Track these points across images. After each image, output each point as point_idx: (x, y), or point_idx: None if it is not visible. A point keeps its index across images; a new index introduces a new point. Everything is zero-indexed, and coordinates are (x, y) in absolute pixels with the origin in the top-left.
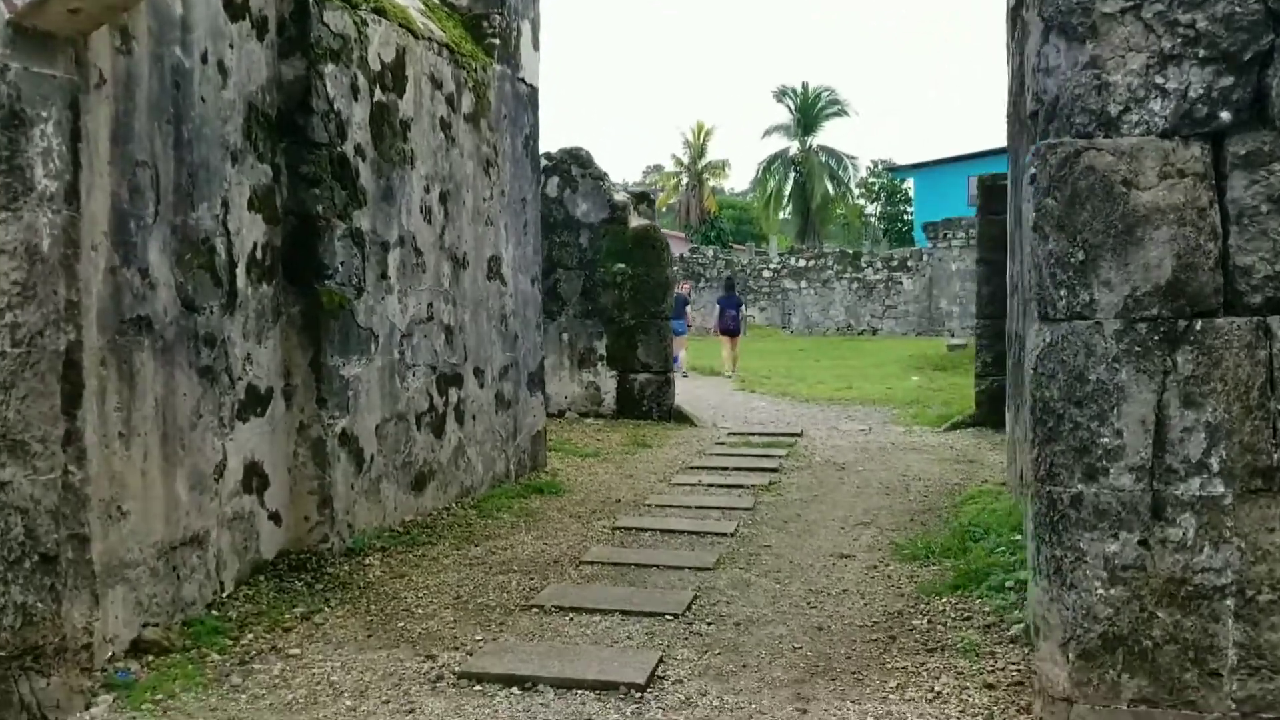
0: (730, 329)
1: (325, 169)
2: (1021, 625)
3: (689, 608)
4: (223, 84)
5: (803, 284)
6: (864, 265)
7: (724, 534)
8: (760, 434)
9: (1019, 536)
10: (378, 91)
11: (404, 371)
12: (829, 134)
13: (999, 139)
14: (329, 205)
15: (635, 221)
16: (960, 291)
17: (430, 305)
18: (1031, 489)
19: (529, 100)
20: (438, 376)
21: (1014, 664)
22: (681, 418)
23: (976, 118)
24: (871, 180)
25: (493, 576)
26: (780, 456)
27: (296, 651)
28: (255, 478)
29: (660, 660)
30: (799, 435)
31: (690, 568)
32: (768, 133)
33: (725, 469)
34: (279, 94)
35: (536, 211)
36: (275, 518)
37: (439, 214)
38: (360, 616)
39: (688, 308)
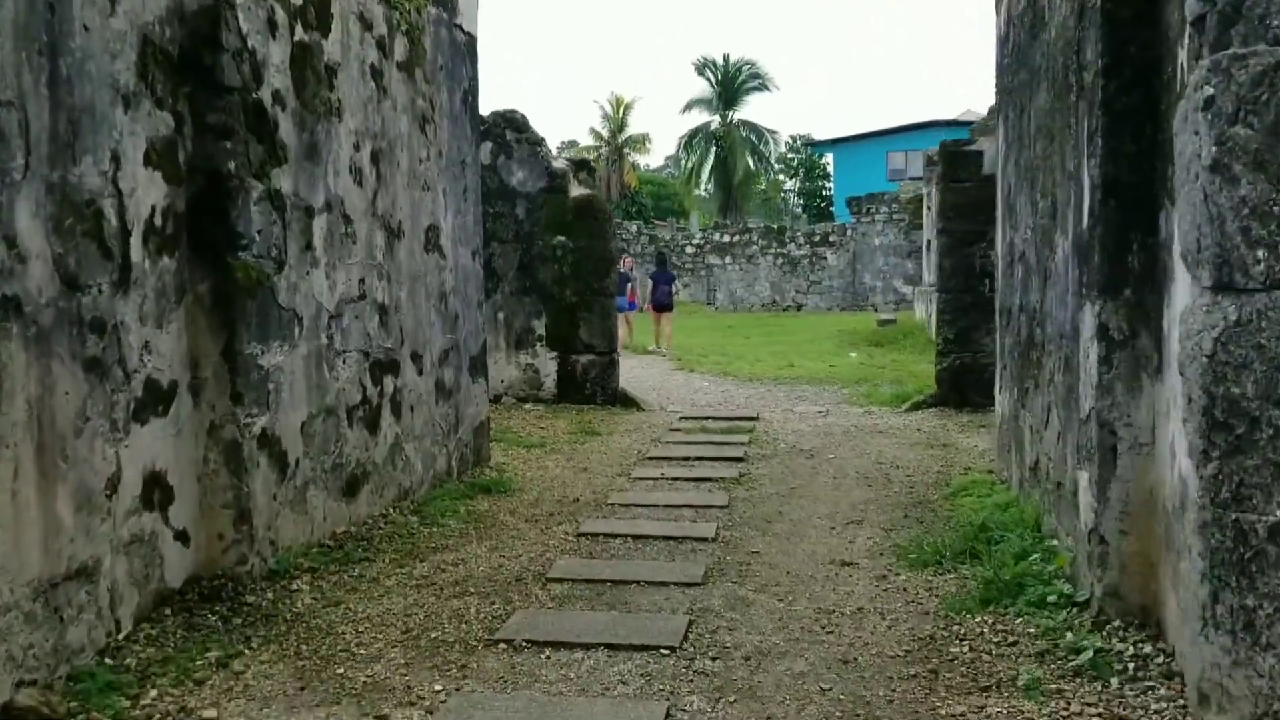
0: (664, 304)
1: (238, 119)
2: (1089, 654)
3: (686, 638)
4: (111, 9)
5: (727, 260)
6: (788, 241)
7: (704, 539)
8: (715, 418)
9: (1047, 539)
10: (299, 29)
11: (333, 359)
12: (751, 108)
13: (916, 115)
14: (243, 162)
15: (576, 191)
16: (884, 266)
17: (362, 281)
18: (1200, 514)
19: (467, 50)
20: (371, 364)
21: (1092, 706)
22: (628, 402)
23: (894, 94)
24: (791, 155)
25: (446, 602)
26: (742, 443)
27: (212, 714)
28: (157, 491)
29: (668, 715)
30: (755, 419)
31: (676, 583)
32: (688, 106)
33: (687, 459)
34: (181, 27)
35: (476, 176)
36: (182, 537)
37: (371, 176)
38: (289, 660)
39: (631, 285)
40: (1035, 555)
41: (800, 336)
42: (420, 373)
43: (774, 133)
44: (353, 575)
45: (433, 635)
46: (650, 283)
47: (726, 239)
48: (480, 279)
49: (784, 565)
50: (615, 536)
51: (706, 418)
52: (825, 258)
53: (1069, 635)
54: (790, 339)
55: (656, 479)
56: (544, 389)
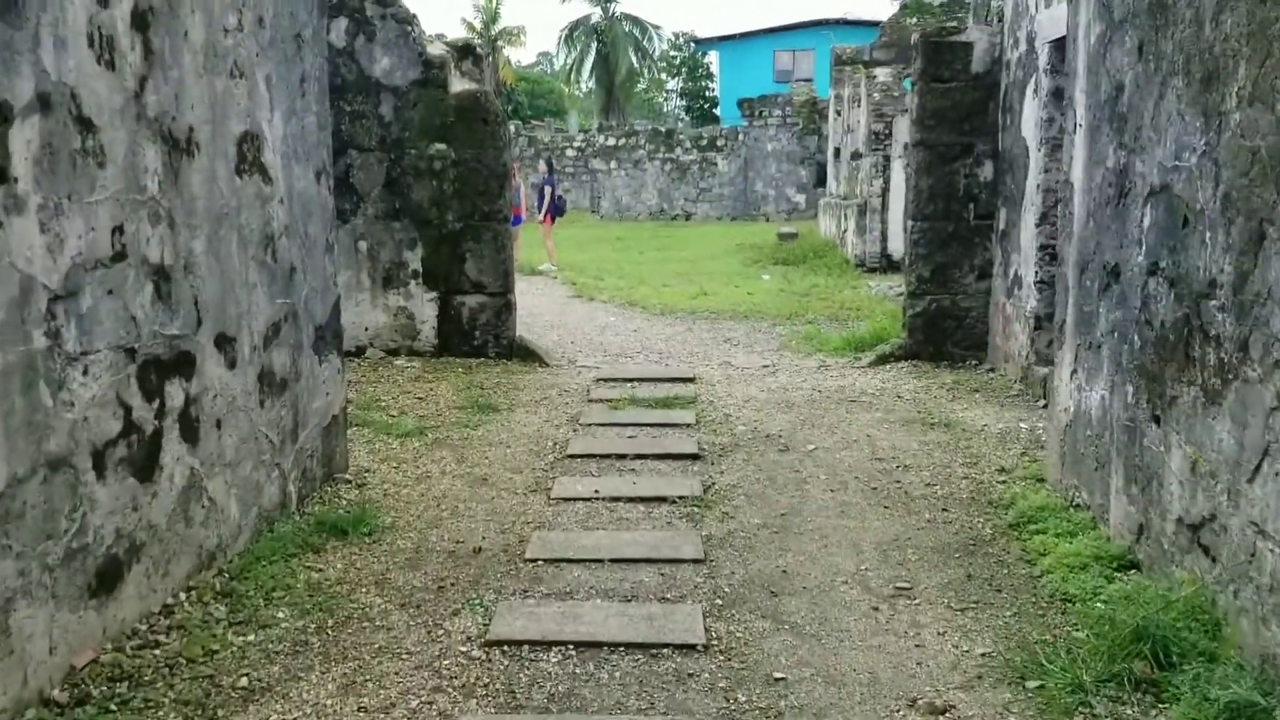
0: (561, 212)
1: None
2: None
3: None
4: None
5: (612, 165)
6: (676, 145)
7: (691, 646)
8: (641, 379)
9: (1265, 667)
10: None
11: (62, 370)
12: (633, 0)
13: (807, 13)
14: None
15: (458, 85)
16: (776, 173)
17: (119, 231)
18: None
19: None
20: (141, 365)
21: None
22: (528, 355)
23: None
24: (673, 54)
25: None
26: (689, 425)
27: None
28: None
29: None
30: (692, 380)
31: None
32: None
33: (624, 457)
34: None
35: (321, 59)
36: None
37: (133, 51)
38: None
39: (516, 195)
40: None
41: (698, 251)
42: (233, 365)
43: (658, 27)
44: None
45: None
46: (545, 189)
47: (612, 142)
48: (330, 208)
49: (839, 713)
50: (551, 648)
51: (631, 379)
52: (716, 164)
53: None
54: (687, 254)
55: (589, 500)
56: (421, 338)
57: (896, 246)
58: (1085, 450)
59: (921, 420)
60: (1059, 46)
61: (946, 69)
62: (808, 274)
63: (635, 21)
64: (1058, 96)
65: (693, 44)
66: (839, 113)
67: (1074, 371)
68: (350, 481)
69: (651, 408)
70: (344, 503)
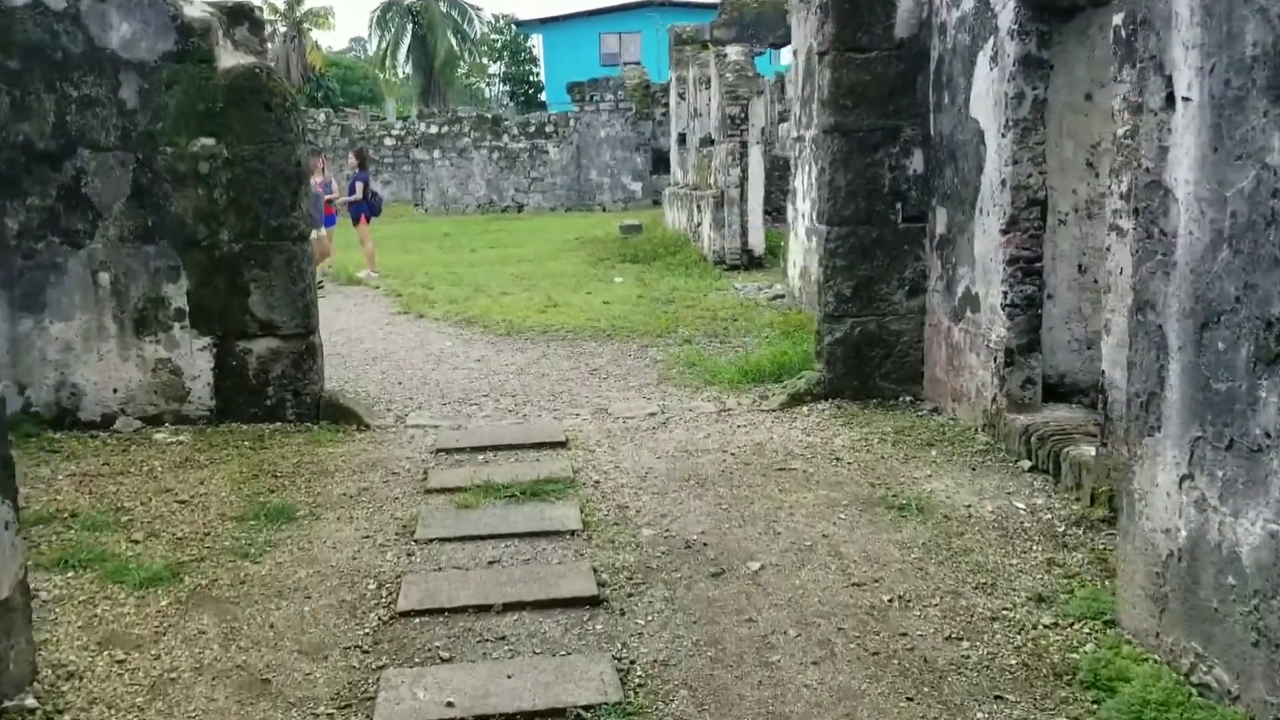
0: (368, 212)
1: None
2: None
3: None
4: None
5: (435, 154)
6: (503, 133)
7: None
8: (494, 446)
9: None
10: None
11: None
12: None
13: None
14: None
15: (231, 59)
16: (611, 161)
17: None
18: None
19: None
20: None
21: None
22: (340, 413)
23: None
24: (494, 37)
25: None
26: (572, 533)
27: None
28: None
29: None
30: (564, 446)
31: None
32: None
33: (486, 610)
34: None
35: None
36: None
37: None
38: None
39: (332, 189)
40: None
41: (536, 248)
42: None
43: (477, 9)
44: None
45: None
46: (357, 186)
47: (434, 130)
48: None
49: None
50: None
51: (483, 447)
52: (547, 151)
53: None
54: (525, 252)
55: None
56: (192, 400)
57: (757, 241)
58: (1223, 608)
59: (884, 501)
60: (1033, 2)
61: (865, 33)
62: (664, 274)
63: (453, 3)
64: (1033, 65)
65: (514, 26)
66: (682, 96)
67: (1187, 478)
68: (33, 712)
69: (517, 500)
70: None
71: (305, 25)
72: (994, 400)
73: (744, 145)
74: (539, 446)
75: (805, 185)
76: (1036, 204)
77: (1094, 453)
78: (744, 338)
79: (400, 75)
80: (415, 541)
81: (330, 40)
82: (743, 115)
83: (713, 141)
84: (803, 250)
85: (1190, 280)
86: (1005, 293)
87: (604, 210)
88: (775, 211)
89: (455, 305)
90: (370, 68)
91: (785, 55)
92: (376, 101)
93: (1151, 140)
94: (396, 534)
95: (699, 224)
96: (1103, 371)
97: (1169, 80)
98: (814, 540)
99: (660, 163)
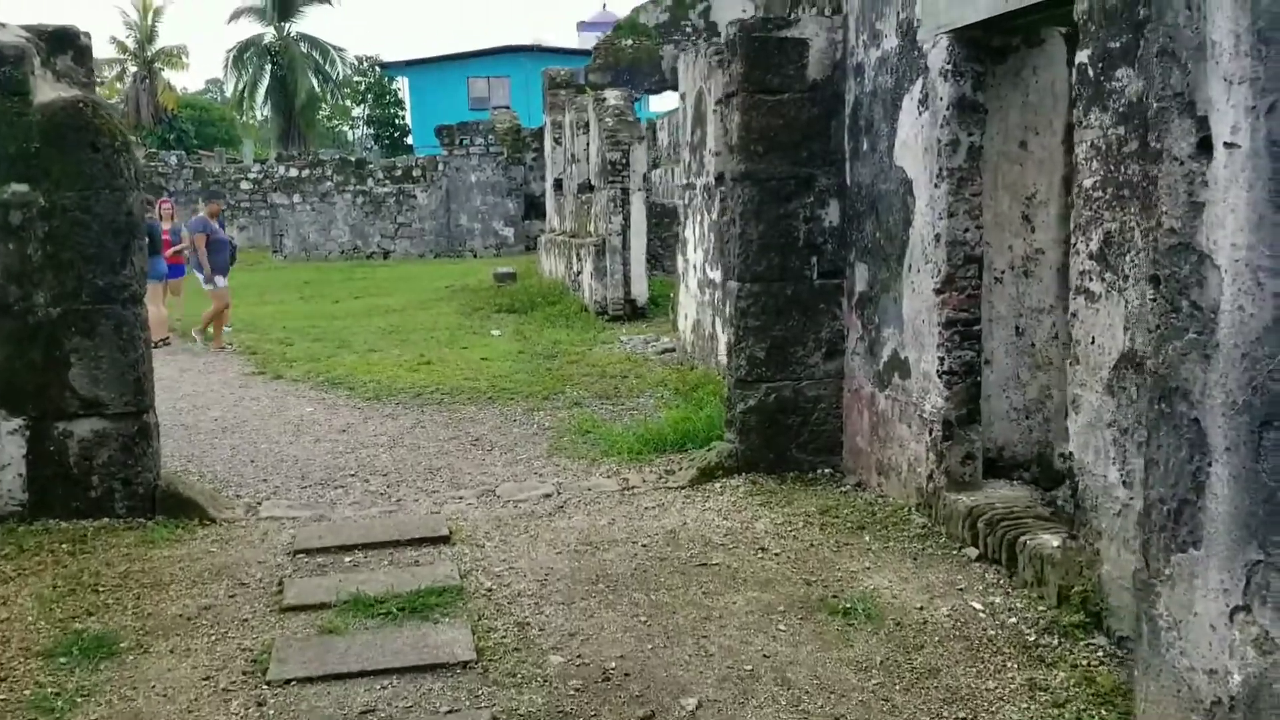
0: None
1: None
2: None
3: None
4: None
5: (296, 198)
6: (368, 176)
7: None
8: (364, 545)
9: None
10: None
11: None
12: (310, 21)
13: (496, 39)
14: None
15: (50, 92)
16: (482, 206)
17: None
18: None
19: None
20: None
21: None
22: (180, 504)
23: (468, 16)
24: (358, 79)
25: None
26: (463, 666)
27: None
28: None
29: None
30: (448, 541)
31: None
32: (236, 15)
33: None
34: None
35: None
36: None
37: None
38: None
39: (181, 234)
40: None
41: (404, 297)
42: None
43: (340, 50)
44: None
45: None
46: (207, 236)
47: (294, 173)
48: None
49: None
50: None
51: (350, 546)
52: (414, 196)
53: None
54: (393, 302)
55: None
56: (1, 493)
57: (641, 290)
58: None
59: (824, 604)
60: (967, 40)
61: (775, 75)
62: (544, 325)
63: (314, 43)
64: (968, 109)
65: (379, 68)
66: (558, 140)
67: (1242, 610)
68: None
69: (394, 620)
70: None
71: (157, 65)
72: (930, 478)
73: (625, 192)
74: (418, 543)
75: (696, 235)
76: (974, 261)
77: (1057, 544)
78: (638, 398)
79: (259, 117)
80: (268, 684)
81: (185, 81)
82: (624, 161)
83: (592, 188)
84: (695, 303)
85: (1242, 367)
86: (942, 358)
87: (475, 256)
88: (652, 259)
89: (317, 364)
90: (227, 109)
91: (655, 102)
92: (234, 144)
93: (1177, 195)
94: (244, 673)
95: (579, 273)
96: (1069, 454)
97: (1202, 122)
98: (754, 663)
99: (533, 208)
